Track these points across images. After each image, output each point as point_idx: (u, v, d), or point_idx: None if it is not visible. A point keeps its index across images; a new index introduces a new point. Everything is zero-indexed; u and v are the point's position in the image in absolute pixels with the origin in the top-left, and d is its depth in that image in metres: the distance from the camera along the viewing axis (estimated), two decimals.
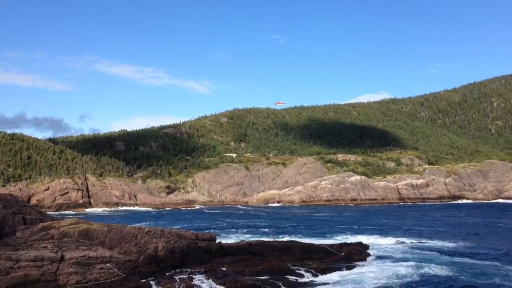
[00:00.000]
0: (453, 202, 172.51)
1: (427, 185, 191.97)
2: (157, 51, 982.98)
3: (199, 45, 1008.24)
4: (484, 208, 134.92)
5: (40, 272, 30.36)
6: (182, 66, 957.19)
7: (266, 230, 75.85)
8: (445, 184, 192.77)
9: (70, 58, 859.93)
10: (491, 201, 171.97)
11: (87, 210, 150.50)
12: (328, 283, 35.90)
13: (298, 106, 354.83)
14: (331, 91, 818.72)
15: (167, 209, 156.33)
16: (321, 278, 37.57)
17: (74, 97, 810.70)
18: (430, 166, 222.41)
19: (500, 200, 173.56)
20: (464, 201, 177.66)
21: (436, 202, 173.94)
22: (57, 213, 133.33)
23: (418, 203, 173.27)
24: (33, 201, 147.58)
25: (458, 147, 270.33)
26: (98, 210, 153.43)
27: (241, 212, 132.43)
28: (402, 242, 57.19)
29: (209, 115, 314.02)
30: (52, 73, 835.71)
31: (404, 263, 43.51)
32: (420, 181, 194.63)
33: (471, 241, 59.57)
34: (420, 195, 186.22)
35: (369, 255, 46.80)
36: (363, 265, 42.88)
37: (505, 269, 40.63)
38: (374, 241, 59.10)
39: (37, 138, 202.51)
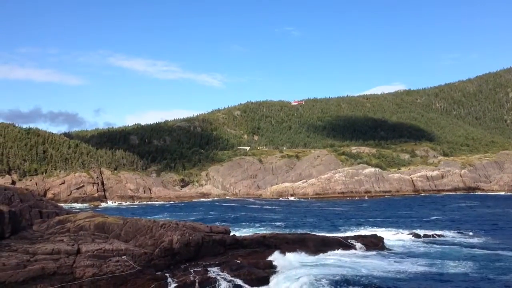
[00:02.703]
0: (468, 193, 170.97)
1: (442, 177, 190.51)
2: (170, 44, 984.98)
3: (211, 39, 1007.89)
4: (501, 200, 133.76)
5: (57, 265, 30.68)
6: (195, 59, 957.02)
7: (280, 223, 75.90)
8: (460, 176, 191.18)
9: (84, 52, 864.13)
10: (507, 193, 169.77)
11: (102, 203, 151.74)
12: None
13: (312, 98, 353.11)
14: (344, 83, 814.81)
15: (181, 202, 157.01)
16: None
17: (89, 92, 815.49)
18: (445, 158, 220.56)
19: None
20: (480, 192, 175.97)
21: (451, 193, 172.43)
22: (74, 204, 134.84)
23: (433, 194, 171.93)
24: (49, 195, 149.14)
25: (473, 138, 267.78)
26: (113, 203, 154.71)
27: (255, 205, 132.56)
28: (418, 235, 56.84)
29: (222, 108, 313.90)
30: (67, 67, 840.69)
31: (418, 258, 43.35)
32: (435, 172, 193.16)
33: (489, 234, 59.01)
34: (435, 186, 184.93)
35: (384, 247, 46.62)
36: (373, 256, 42.78)
37: None
38: (389, 233, 58.90)
39: (52, 133, 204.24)
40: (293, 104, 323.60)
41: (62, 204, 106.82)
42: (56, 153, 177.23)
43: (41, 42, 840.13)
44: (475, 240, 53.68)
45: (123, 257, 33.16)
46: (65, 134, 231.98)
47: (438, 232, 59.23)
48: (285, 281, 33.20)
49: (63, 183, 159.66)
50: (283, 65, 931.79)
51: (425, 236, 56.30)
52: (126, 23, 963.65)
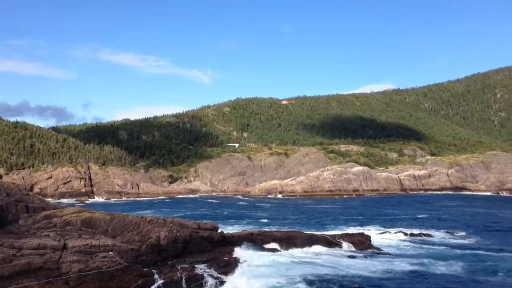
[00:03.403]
0: (455, 193, 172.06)
1: (429, 176, 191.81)
2: (161, 40, 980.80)
3: (203, 34, 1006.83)
4: (487, 201, 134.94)
5: (43, 260, 30.46)
6: (185, 55, 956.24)
7: (268, 221, 75.96)
8: (448, 175, 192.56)
9: (73, 45, 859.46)
10: (494, 193, 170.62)
11: (90, 199, 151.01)
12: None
13: (301, 96, 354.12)
14: (334, 81, 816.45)
15: (169, 198, 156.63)
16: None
17: (78, 86, 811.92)
18: (433, 157, 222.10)
19: (504, 193, 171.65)
20: (466, 192, 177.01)
21: (438, 193, 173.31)
22: (61, 200, 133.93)
23: (420, 193, 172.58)
24: (36, 189, 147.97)
25: (461, 138, 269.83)
26: (101, 199, 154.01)
27: (243, 202, 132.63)
28: (405, 234, 57.10)
29: (212, 104, 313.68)
30: (56, 61, 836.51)
31: (405, 258, 43.54)
32: (423, 172, 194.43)
33: (476, 234, 59.34)
34: (422, 186, 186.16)
35: (371, 246, 46.73)
36: (359, 255, 42.92)
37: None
38: (376, 232, 59.16)
39: (40, 127, 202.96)
40: (283, 103, 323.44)
41: (49, 199, 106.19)
42: (43, 147, 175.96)
43: (30, 34, 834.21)
44: (462, 240, 54.10)
45: (110, 253, 32.98)
46: (53, 128, 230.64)
47: (425, 232, 59.58)
48: (250, 279, 32.37)
49: (50, 177, 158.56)
50: (274, 62, 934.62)
51: (412, 235, 56.59)
52: (117, 17, 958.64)
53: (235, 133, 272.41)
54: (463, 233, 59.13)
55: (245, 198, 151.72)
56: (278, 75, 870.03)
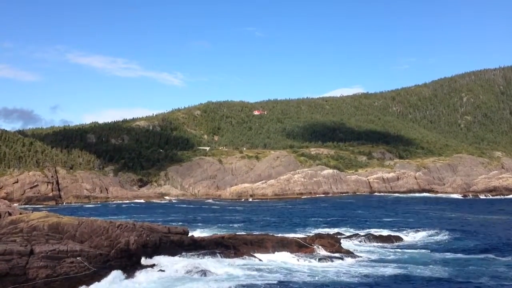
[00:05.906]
0: (422, 195, 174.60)
1: (398, 179, 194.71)
2: (131, 41, 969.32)
3: (173, 37, 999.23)
4: (453, 204, 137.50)
5: (9, 266, 29.92)
6: (156, 57, 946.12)
7: (239, 224, 75.96)
8: (415, 178, 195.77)
9: (40, 47, 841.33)
10: (460, 195, 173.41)
11: (57, 203, 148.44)
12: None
13: (272, 99, 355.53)
14: (305, 85, 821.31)
15: (139, 202, 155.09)
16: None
17: (46, 88, 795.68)
18: (401, 160, 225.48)
19: (471, 196, 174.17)
20: (433, 194, 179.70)
21: (406, 195, 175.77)
22: (29, 205, 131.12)
23: (389, 195, 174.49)
24: (2, 194, 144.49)
25: (428, 141, 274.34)
26: (69, 203, 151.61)
27: (214, 206, 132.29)
28: (375, 236, 57.48)
29: (183, 108, 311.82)
30: (22, 63, 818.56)
31: (375, 261, 44.01)
32: (391, 174, 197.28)
33: (445, 236, 60.26)
34: (391, 188, 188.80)
35: (341, 249, 47.12)
36: (329, 258, 43.26)
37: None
38: (347, 234, 59.69)
39: (6, 130, 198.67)
40: (255, 113, 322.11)
41: (15, 204, 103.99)
42: (9, 151, 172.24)
43: None
44: (430, 241, 55.10)
45: (77, 258, 32.58)
46: (20, 132, 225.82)
47: (394, 234, 60.32)
48: None
49: (17, 182, 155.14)
50: (244, 66, 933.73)
51: (381, 237, 57.24)
52: (85, 19, 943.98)
53: (206, 136, 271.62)
54: (431, 235, 60.18)
55: (216, 202, 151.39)
56: (249, 79, 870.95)
